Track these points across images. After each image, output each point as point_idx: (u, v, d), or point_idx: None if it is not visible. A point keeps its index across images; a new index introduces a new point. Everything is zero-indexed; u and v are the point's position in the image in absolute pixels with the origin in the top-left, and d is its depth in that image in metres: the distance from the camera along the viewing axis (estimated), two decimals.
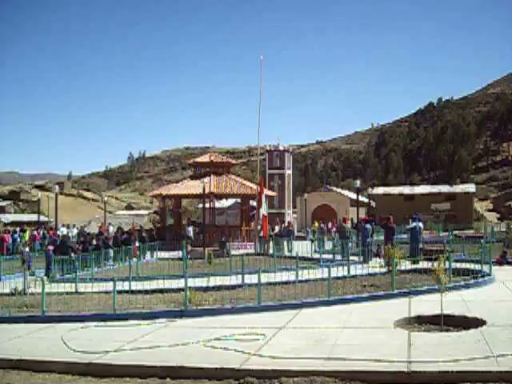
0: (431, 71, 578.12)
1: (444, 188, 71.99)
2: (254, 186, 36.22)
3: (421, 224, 22.44)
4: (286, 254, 27.60)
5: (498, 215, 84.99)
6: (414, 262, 18.65)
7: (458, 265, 16.22)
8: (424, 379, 7.11)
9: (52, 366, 8.68)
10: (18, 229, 37.05)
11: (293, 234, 33.73)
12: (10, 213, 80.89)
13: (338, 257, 23.38)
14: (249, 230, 36.71)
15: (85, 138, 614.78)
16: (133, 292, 14.46)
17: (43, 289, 12.89)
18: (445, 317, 9.84)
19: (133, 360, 8.52)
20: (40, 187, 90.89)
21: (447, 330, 9.58)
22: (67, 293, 15.35)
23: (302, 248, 24.73)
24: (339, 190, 75.55)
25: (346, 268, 17.88)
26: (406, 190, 73.35)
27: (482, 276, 15.23)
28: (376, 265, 18.82)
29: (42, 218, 54.72)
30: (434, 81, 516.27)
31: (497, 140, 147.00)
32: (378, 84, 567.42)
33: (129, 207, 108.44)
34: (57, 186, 41.47)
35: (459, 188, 71.41)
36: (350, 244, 24.66)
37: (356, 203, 38.20)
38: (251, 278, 14.86)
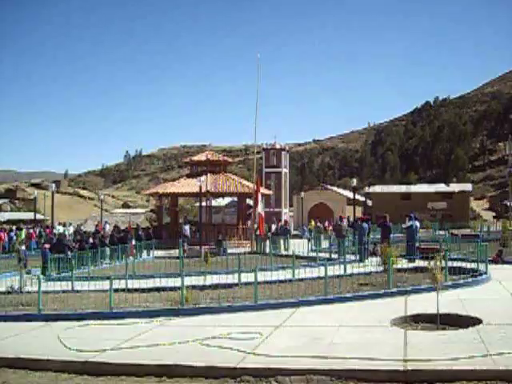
0: (428, 70, 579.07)
1: (440, 187, 72.21)
2: (251, 185, 36.21)
3: (417, 223, 22.49)
4: (283, 252, 27.63)
5: (494, 214, 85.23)
6: (411, 261, 18.70)
7: (455, 263, 16.26)
8: (420, 378, 7.12)
9: (48, 365, 8.67)
10: (14, 227, 37.06)
11: (289, 232, 33.75)
12: (6, 211, 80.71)
13: (335, 255, 23.40)
14: (245, 228, 36.71)
15: (81, 136, 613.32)
16: (129, 290, 14.44)
17: (39, 287, 12.88)
18: (441, 315, 9.85)
19: (129, 358, 8.51)
20: (36, 185, 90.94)
21: (443, 329, 9.60)
22: (63, 291, 15.31)
23: (299, 247, 24.74)
24: (336, 188, 75.68)
25: (342, 267, 17.90)
26: (403, 188, 73.56)
27: (479, 274, 15.26)
28: (372, 263, 18.84)
29: (39, 217, 54.74)
30: (431, 80, 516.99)
31: (493, 139, 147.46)
32: (375, 83, 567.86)
33: (125, 205, 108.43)
34: (53, 185, 41.55)
35: (456, 187, 71.64)
36: (346, 243, 24.67)
37: (353, 202, 38.28)
38: (248, 277, 14.86)
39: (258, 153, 53.06)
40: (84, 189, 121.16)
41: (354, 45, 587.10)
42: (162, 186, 43.47)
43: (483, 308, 11.03)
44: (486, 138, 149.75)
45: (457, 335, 9.09)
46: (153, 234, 33.45)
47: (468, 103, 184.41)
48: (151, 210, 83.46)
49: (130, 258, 24.93)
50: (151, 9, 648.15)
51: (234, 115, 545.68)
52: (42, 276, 17.25)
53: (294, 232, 43.36)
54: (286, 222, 37.23)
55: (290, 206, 65.94)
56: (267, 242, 29.08)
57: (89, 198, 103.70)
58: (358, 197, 54.63)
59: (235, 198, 44.22)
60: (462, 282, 14.49)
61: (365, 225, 23.20)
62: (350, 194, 61.56)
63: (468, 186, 72.53)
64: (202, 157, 41.18)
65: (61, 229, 36.34)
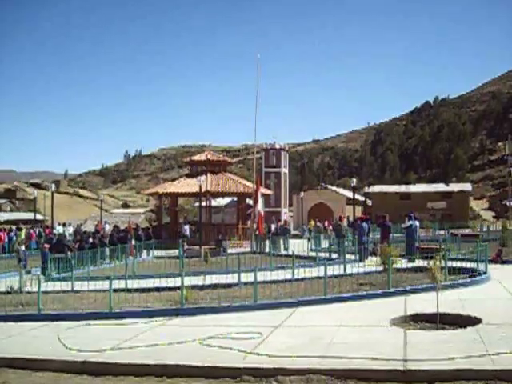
0: (428, 70, 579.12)
1: (440, 187, 72.22)
2: (251, 185, 36.22)
3: (417, 222, 22.50)
4: (282, 252, 27.64)
5: (494, 214, 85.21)
6: (410, 261, 18.71)
7: (454, 263, 16.26)
8: (420, 377, 7.12)
9: (48, 365, 8.67)
10: (14, 227, 37.02)
11: (289, 232, 33.77)
12: (6, 211, 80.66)
13: (335, 255, 23.42)
14: (245, 228, 36.72)
15: (81, 136, 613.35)
16: (129, 290, 14.44)
17: (39, 287, 12.89)
18: (441, 315, 9.86)
19: (129, 358, 8.51)
20: (36, 185, 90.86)
21: (443, 329, 9.61)
22: (63, 291, 15.32)
23: (299, 246, 24.76)
24: (335, 188, 75.64)
25: (342, 266, 17.91)
26: (402, 188, 73.55)
27: (478, 274, 15.26)
28: (372, 263, 18.84)
29: (38, 217, 54.75)
30: (431, 80, 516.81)
31: (493, 139, 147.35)
32: (375, 82, 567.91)
33: (125, 205, 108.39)
34: (53, 185, 41.60)
35: (455, 187, 71.65)
36: (346, 242, 24.69)
37: (352, 202, 38.28)
38: (247, 277, 14.86)
39: (258, 153, 53.04)
40: (84, 189, 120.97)
41: (354, 44, 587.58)
42: (162, 186, 43.48)
43: (483, 308, 11.04)
44: (485, 138, 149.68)
45: (456, 335, 9.10)
46: (152, 234, 33.48)
47: (467, 103, 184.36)
48: (151, 210, 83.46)
49: (130, 257, 24.95)
50: (151, 9, 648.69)
51: (234, 115, 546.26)
52: (41, 276, 17.31)
53: (293, 232, 43.36)
54: (285, 221, 37.25)
55: (290, 205, 65.91)
56: (267, 242, 29.09)
57: (88, 198, 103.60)
58: (357, 196, 54.60)
59: (235, 198, 44.24)
60: (461, 281, 14.49)
61: (364, 224, 23.21)
62: (349, 194, 61.51)
63: (467, 186, 72.53)
64: (201, 157, 41.21)
65: (60, 229, 36.36)
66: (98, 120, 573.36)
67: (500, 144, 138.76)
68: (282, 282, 15.12)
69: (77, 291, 15.84)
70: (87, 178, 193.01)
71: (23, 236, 33.33)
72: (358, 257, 21.38)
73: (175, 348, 9.04)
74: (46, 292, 14.17)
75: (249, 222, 36.34)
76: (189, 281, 14.52)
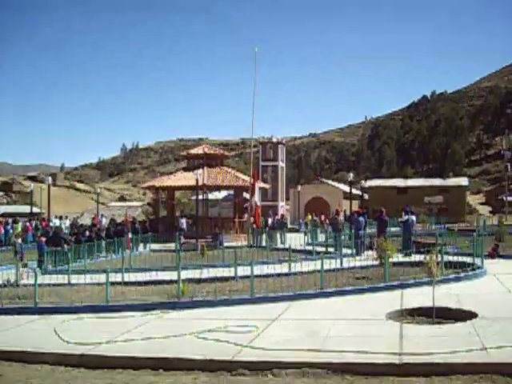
0: (425, 64, 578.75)
1: (437, 181, 72.27)
2: (248, 178, 36.20)
3: (413, 217, 22.52)
4: (279, 246, 27.65)
5: (491, 208, 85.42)
6: (407, 255, 18.73)
7: (450, 258, 16.29)
8: (415, 371, 7.14)
9: (44, 358, 8.68)
10: (10, 220, 36.89)
11: (286, 226, 33.79)
12: (3, 204, 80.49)
13: (331, 249, 23.43)
14: (242, 222, 36.72)
15: (78, 129, 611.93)
16: (126, 284, 14.47)
17: (36, 280, 12.88)
18: (436, 309, 9.88)
19: (126, 352, 8.53)
20: (32, 178, 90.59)
21: (439, 323, 9.63)
22: (60, 284, 15.33)
23: (295, 240, 24.78)
24: (332, 182, 75.71)
25: (338, 260, 17.93)
26: (399, 182, 73.56)
27: (474, 269, 15.30)
28: (369, 257, 18.86)
29: (35, 210, 54.57)
30: (428, 74, 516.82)
31: (490, 134, 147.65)
32: (372, 77, 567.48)
33: (122, 199, 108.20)
34: (49, 178, 41.43)
35: (452, 181, 71.74)
36: (342, 236, 24.70)
37: (349, 196, 38.33)
38: (244, 270, 14.88)
39: (255, 146, 53.03)
40: (80, 182, 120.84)
41: (352, 39, 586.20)
42: (159, 180, 43.46)
43: (479, 302, 11.07)
44: (482, 133, 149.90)
45: (452, 329, 9.13)
46: (149, 228, 33.47)
47: (465, 98, 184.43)
48: (148, 204, 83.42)
49: (127, 251, 24.94)
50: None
51: (231, 109, 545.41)
52: (38, 269, 17.29)
53: (290, 226, 43.38)
54: (282, 215, 37.27)
55: (287, 199, 65.99)
56: (264, 236, 29.12)
57: (85, 191, 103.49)
58: (354, 191, 54.67)
59: (232, 192, 44.24)
60: (457, 276, 14.51)
61: (361, 218, 23.21)
62: (346, 188, 61.54)
63: (464, 181, 72.59)
64: (198, 150, 41.14)
65: (57, 222, 36.33)
66: (95, 113, 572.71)
67: (497, 139, 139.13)
68: (278, 275, 15.12)
69: (73, 284, 15.84)
70: (84, 171, 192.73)
71: (20, 229, 33.27)
72: (354, 251, 21.38)
73: (172, 341, 9.05)
74: (42, 285, 14.15)
75: (245, 215, 36.32)
76: (185, 274, 14.53)
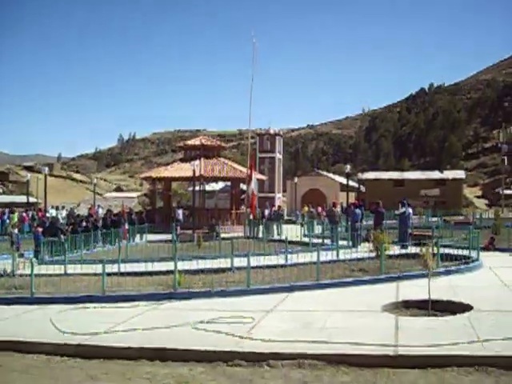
0: (423, 57, 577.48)
1: (434, 174, 72.36)
2: (245, 170, 36.15)
3: (410, 209, 22.55)
4: (276, 237, 27.67)
5: (487, 202, 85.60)
6: (403, 247, 18.78)
7: (447, 250, 16.34)
8: (411, 363, 7.18)
9: (41, 348, 8.68)
10: (6, 210, 36.84)
11: (282, 217, 33.79)
12: None
13: (328, 241, 23.47)
14: (238, 213, 36.72)
15: (75, 119, 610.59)
16: (122, 274, 14.45)
17: (32, 270, 12.86)
18: (432, 302, 9.92)
19: (122, 342, 8.53)
20: (29, 168, 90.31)
21: (434, 315, 9.66)
22: (56, 274, 15.31)
23: (292, 232, 24.80)
24: (329, 174, 75.70)
25: (335, 252, 17.96)
26: (396, 175, 73.63)
27: (471, 261, 15.35)
28: (365, 249, 18.89)
29: (31, 200, 54.51)
30: (426, 67, 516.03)
31: (487, 127, 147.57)
32: (370, 69, 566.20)
33: (118, 189, 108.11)
34: (46, 168, 41.30)
35: (449, 174, 71.81)
36: (339, 228, 24.73)
37: (346, 188, 38.33)
38: (240, 261, 14.90)
39: (252, 138, 52.94)
40: (77, 172, 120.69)
41: (350, 31, 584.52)
42: (156, 171, 43.35)
43: (474, 295, 11.11)
44: (479, 126, 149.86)
45: (447, 321, 9.16)
46: (146, 218, 33.43)
47: (462, 90, 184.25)
48: (144, 194, 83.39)
49: (123, 241, 24.94)
50: None
51: (229, 100, 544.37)
52: (34, 259, 17.27)
53: (287, 217, 43.41)
54: (279, 206, 37.26)
55: (284, 191, 65.98)
56: (260, 227, 29.13)
57: (82, 181, 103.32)
58: (351, 183, 54.67)
59: (228, 183, 44.19)
60: (453, 268, 14.57)
61: (358, 211, 23.21)
62: (343, 180, 61.63)
63: (461, 174, 72.71)
64: (195, 141, 41.04)
65: (54, 212, 36.24)
66: (92, 104, 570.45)
67: (494, 132, 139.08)
68: (275, 267, 15.14)
69: (70, 274, 15.82)
70: (80, 161, 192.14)
71: (16, 219, 33.22)
72: (350, 243, 21.43)
73: (168, 332, 9.06)
74: (38, 275, 14.14)
75: (242, 207, 36.33)
76: (182, 265, 14.52)
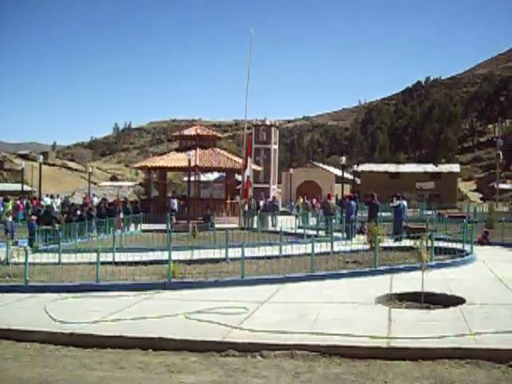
0: (420, 50, 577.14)
1: (429, 167, 72.51)
2: (240, 160, 36.09)
3: (404, 202, 22.59)
4: (271, 228, 27.69)
5: (482, 196, 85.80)
6: (397, 240, 18.83)
7: (441, 243, 16.40)
8: (403, 355, 7.21)
9: (34, 336, 8.69)
10: (1, 198, 36.73)
11: (277, 208, 33.80)
12: None
13: (322, 233, 23.50)
14: (233, 203, 36.71)
15: (70, 107, 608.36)
16: (116, 263, 14.44)
17: (26, 259, 12.84)
18: (425, 294, 9.96)
19: (115, 331, 8.55)
20: (24, 157, 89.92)
21: (427, 308, 9.71)
22: (50, 263, 15.28)
23: (286, 223, 24.81)
24: (325, 166, 75.71)
25: (329, 244, 17.98)
26: (392, 168, 73.74)
27: (464, 255, 15.41)
28: (359, 241, 18.93)
29: (26, 188, 54.31)
30: (423, 60, 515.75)
31: (483, 121, 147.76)
32: (367, 61, 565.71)
33: (113, 178, 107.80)
34: (41, 156, 41.17)
35: (444, 168, 71.99)
36: (333, 220, 24.76)
37: (341, 180, 38.36)
38: (235, 252, 14.91)
39: (248, 128, 52.91)
40: (72, 161, 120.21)
41: (347, 23, 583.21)
42: (151, 160, 43.23)
43: (467, 288, 11.17)
44: (475, 120, 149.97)
45: (440, 314, 9.21)
46: (141, 208, 33.37)
47: (459, 84, 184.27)
48: (139, 184, 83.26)
49: (118, 231, 24.90)
50: None
51: (225, 90, 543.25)
52: (28, 248, 17.23)
53: (282, 208, 43.42)
54: (274, 198, 37.28)
55: (279, 182, 65.99)
56: (255, 218, 29.13)
57: (77, 170, 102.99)
58: (346, 175, 54.75)
59: (224, 174, 44.15)
60: (447, 261, 14.64)
61: (352, 203, 23.22)
62: (338, 172, 61.65)
63: (456, 167, 72.85)
64: (191, 131, 40.90)
65: (48, 201, 36.20)
66: (88, 92, 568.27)
67: (490, 126, 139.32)
68: (269, 258, 15.16)
69: (64, 263, 15.81)
70: (75, 150, 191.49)
71: (10, 207, 33.11)
72: (345, 235, 21.45)
73: (161, 321, 9.08)
74: (33, 264, 14.12)
75: (237, 197, 36.31)
76: (176, 255, 14.53)
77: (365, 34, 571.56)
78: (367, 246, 16.86)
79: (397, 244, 17.75)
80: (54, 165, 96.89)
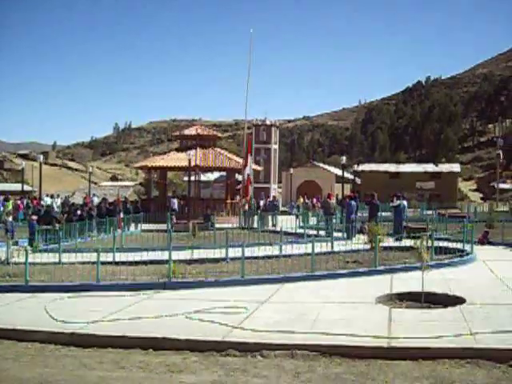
0: (420, 50, 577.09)
1: (429, 167, 72.43)
2: (240, 160, 36.09)
3: (405, 202, 22.58)
4: (271, 228, 27.68)
5: (482, 195, 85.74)
6: (397, 240, 18.82)
7: (441, 243, 16.39)
8: (403, 355, 7.21)
9: (34, 336, 8.68)
10: (1, 198, 36.71)
11: (277, 208, 33.78)
12: None
13: (322, 232, 23.49)
14: (234, 203, 36.70)
15: (70, 107, 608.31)
16: (117, 263, 14.44)
17: (26, 258, 12.84)
18: (425, 294, 9.96)
19: (116, 331, 8.55)
20: (24, 156, 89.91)
21: (428, 307, 9.71)
22: (51, 263, 15.28)
23: (287, 223, 24.80)
24: (325, 166, 75.71)
25: (329, 244, 17.98)
26: (392, 167, 73.66)
27: (464, 255, 15.40)
28: (359, 241, 18.92)
29: (26, 188, 54.31)
30: (423, 60, 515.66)
31: (483, 120, 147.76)
32: (367, 61, 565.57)
33: (114, 178, 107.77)
34: (41, 156, 41.19)
35: (444, 167, 71.91)
36: (334, 220, 24.74)
37: (341, 179, 38.38)
38: (235, 252, 14.91)
39: (249, 128, 52.92)
40: (72, 161, 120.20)
41: (347, 23, 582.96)
42: (151, 160, 43.22)
43: (467, 288, 11.16)
44: (475, 120, 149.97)
45: (441, 314, 9.21)
46: (141, 208, 33.37)
47: (459, 84, 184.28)
48: (140, 184, 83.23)
49: (118, 230, 24.90)
50: None
51: (225, 90, 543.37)
52: (29, 247, 17.21)
53: (282, 208, 43.42)
54: (274, 197, 37.26)
55: (279, 182, 66.03)
56: (255, 218, 29.13)
57: (77, 170, 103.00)
58: (346, 174, 54.75)
59: (224, 173, 44.13)
60: (447, 261, 14.63)
61: (353, 202, 23.21)
62: (338, 172, 61.65)
63: (456, 167, 72.78)
64: (191, 131, 40.90)
65: (48, 200, 36.19)
66: (88, 92, 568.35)
67: (490, 126, 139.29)
68: (269, 258, 15.16)
69: (64, 263, 15.80)
70: (76, 149, 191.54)
71: (10, 207, 33.10)
72: (345, 235, 21.44)
73: (162, 321, 9.08)
74: (33, 263, 14.12)
75: (238, 197, 36.30)
76: (176, 255, 14.53)
77: (365, 34, 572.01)
78: (367, 246, 16.85)
79: (397, 244, 17.74)
80: (54, 164, 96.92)
